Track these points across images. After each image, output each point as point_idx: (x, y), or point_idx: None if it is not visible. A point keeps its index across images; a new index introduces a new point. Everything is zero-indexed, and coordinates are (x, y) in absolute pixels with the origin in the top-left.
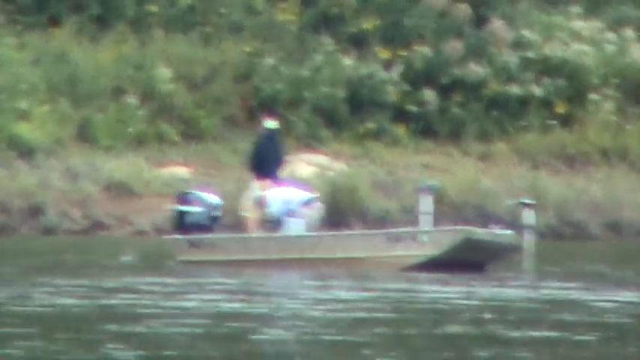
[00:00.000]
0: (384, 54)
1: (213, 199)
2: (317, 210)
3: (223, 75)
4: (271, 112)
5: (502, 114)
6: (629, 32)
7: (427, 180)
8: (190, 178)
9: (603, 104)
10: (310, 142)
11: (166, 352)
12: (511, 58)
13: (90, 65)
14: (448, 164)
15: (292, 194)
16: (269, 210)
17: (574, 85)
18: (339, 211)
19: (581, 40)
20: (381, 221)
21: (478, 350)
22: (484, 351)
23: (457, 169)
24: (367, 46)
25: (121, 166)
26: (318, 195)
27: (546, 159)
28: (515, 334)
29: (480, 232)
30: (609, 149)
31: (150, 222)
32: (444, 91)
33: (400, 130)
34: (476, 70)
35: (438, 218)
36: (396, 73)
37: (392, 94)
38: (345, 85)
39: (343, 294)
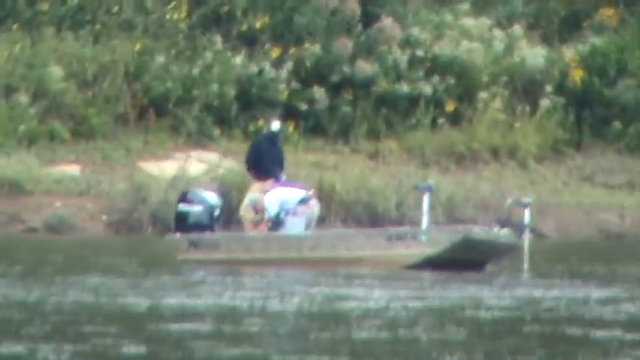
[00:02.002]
0: (275, 52)
1: (213, 198)
2: (313, 207)
3: (114, 73)
4: (276, 114)
5: (391, 112)
6: (517, 29)
7: (422, 180)
8: (80, 176)
9: (492, 102)
10: (201, 140)
11: (269, 349)
12: (400, 57)
13: None
14: (338, 162)
15: (288, 194)
16: (267, 212)
17: (463, 83)
18: (230, 209)
19: (470, 38)
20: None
21: (572, 350)
22: (580, 351)
23: (347, 168)
24: (257, 44)
25: (12, 164)
26: (313, 192)
27: (436, 157)
28: (594, 333)
29: (479, 232)
30: (498, 147)
31: (41, 220)
32: (334, 90)
33: (290, 128)
34: (365, 68)
35: (327, 219)
36: (285, 71)
37: (282, 92)
38: (235, 84)
39: (373, 293)
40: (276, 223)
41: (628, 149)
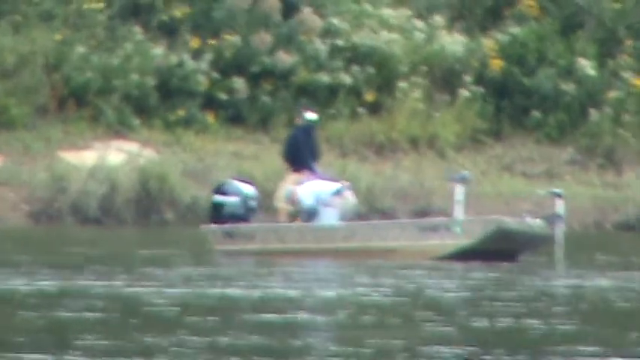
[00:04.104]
0: (195, 43)
1: (249, 189)
2: (348, 199)
3: (34, 64)
4: (310, 105)
5: (311, 102)
6: (437, 19)
7: (459, 170)
8: (1, 167)
9: (411, 92)
10: (120, 130)
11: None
12: (320, 47)
13: None
14: (258, 152)
15: (322, 185)
16: (301, 203)
17: (383, 73)
18: (150, 199)
19: (389, 28)
20: (191, 209)
21: None
22: None
23: (266, 157)
24: (177, 35)
25: None
26: (349, 184)
27: (355, 147)
28: None
29: (511, 222)
30: (417, 137)
31: None
32: (254, 80)
33: (210, 118)
34: (285, 58)
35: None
36: (205, 61)
37: (202, 82)
38: (155, 74)
39: (442, 283)
40: (311, 214)
41: (547, 139)
